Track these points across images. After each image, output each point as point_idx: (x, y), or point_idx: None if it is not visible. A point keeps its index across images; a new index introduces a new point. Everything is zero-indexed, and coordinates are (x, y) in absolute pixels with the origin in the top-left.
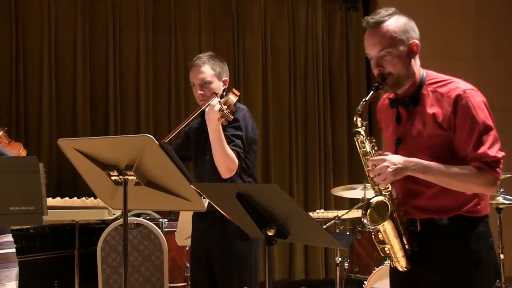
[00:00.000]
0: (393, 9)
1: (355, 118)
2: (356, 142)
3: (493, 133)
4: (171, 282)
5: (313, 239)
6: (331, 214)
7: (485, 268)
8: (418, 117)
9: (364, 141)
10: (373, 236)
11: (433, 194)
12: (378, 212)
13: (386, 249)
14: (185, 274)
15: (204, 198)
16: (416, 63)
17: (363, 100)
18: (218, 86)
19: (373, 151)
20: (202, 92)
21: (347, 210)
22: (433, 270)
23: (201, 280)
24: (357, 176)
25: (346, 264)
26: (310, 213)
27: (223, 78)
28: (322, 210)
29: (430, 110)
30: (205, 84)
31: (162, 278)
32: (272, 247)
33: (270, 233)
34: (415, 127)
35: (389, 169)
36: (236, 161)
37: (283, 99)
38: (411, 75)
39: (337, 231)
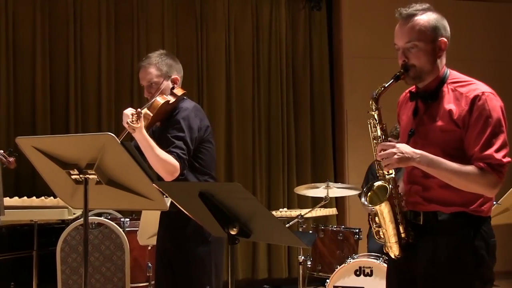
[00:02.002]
0: (428, 4)
1: (370, 102)
2: (369, 125)
3: (503, 137)
4: (133, 282)
5: (276, 238)
6: (294, 212)
7: (486, 266)
8: (435, 112)
9: (376, 125)
10: (370, 219)
11: (439, 186)
12: (378, 195)
13: (381, 232)
14: (147, 274)
15: (166, 197)
16: (441, 60)
17: (381, 86)
18: (167, 85)
19: (383, 136)
20: (150, 93)
21: (310, 209)
22: (434, 264)
23: (165, 280)
24: (320, 175)
25: (309, 263)
26: (273, 212)
27: (173, 77)
28: (285, 209)
29: (447, 106)
30: (152, 85)
31: (123, 278)
32: (235, 246)
33: (232, 232)
34: (430, 121)
35: (396, 156)
36: (175, 163)
37: (247, 98)
38: (434, 71)
39: (300, 230)
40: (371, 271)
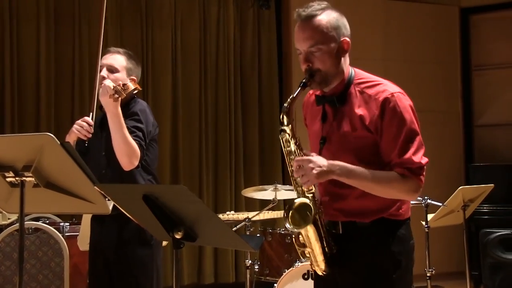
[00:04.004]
0: (326, 3)
1: (281, 116)
2: (281, 141)
3: (418, 139)
4: None
5: (223, 241)
6: (242, 215)
7: (405, 270)
8: (345, 117)
9: (290, 140)
10: (293, 239)
11: (355, 196)
12: (300, 214)
13: (306, 252)
14: (88, 281)
15: (109, 200)
16: (345, 61)
17: (290, 97)
18: (124, 79)
19: (298, 150)
20: (105, 75)
21: (258, 212)
22: (354, 272)
23: (102, 287)
24: (268, 177)
25: (256, 267)
26: (220, 215)
27: (132, 76)
28: (232, 212)
29: (358, 111)
30: (112, 70)
31: (62, 286)
32: (180, 250)
33: (177, 236)
34: (342, 127)
35: (314, 171)
36: (138, 151)
37: (193, 97)
38: (340, 73)
39: (247, 233)
40: None
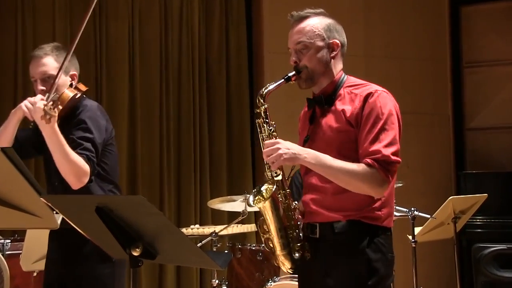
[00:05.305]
0: (321, 9)
1: (257, 99)
2: (257, 125)
3: (393, 135)
4: None
5: (186, 259)
6: (208, 230)
7: (382, 278)
8: (330, 115)
9: (264, 124)
10: (258, 226)
11: (333, 193)
12: (265, 197)
13: (269, 242)
14: None
15: (57, 213)
16: (336, 64)
17: (270, 84)
18: (64, 81)
19: (271, 135)
20: (44, 88)
21: (226, 225)
22: (328, 276)
23: None
24: (237, 186)
25: (224, 287)
26: (183, 229)
27: (71, 72)
28: (197, 226)
29: (342, 106)
30: (47, 78)
31: None
32: (139, 268)
33: (135, 253)
34: (326, 123)
35: (280, 151)
36: (86, 167)
37: (153, 98)
38: (328, 73)
39: (214, 249)
40: None
